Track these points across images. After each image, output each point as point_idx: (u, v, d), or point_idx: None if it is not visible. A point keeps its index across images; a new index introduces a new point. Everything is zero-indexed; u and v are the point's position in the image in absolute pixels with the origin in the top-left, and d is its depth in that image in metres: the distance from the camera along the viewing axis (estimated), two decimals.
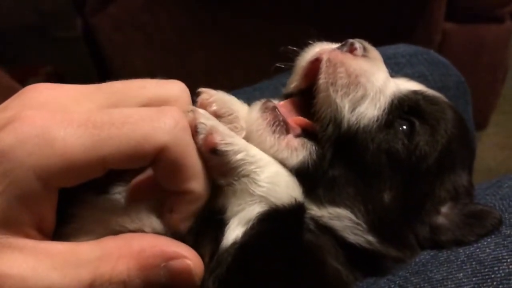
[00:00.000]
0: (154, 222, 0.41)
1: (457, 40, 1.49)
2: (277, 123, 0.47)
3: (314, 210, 0.47)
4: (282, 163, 0.46)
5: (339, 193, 0.47)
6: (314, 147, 0.47)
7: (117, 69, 1.67)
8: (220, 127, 0.42)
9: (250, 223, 0.41)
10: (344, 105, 0.48)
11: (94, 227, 0.42)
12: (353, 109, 0.48)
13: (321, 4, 1.42)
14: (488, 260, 0.47)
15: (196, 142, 0.40)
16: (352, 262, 0.48)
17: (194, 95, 0.48)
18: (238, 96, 0.50)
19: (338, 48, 0.51)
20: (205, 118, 0.41)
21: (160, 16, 1.60)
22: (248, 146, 0.44)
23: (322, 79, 0.48)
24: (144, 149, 0.36)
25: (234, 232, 0.41)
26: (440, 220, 0.51)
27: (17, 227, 0.35)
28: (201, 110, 0.42)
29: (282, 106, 0.50)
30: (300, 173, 0.46)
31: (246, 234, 0.41)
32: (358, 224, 0.47)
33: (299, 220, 0.44)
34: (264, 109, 0.48)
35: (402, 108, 0.50)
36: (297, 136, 0.48)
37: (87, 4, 1.61)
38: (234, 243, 0.41)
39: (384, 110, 0.49)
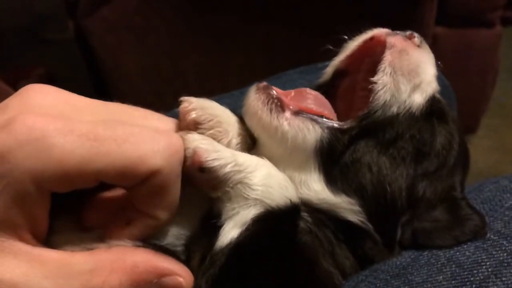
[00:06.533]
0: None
1: (447, 44, 1.50)
2: (271, 100, 0.47)
3: (326, 196, 0.48)
4: (292, 143, 0.47)
5: (352, 179, 0.48)
6: (319, 126, 0.48)
7: (109, 71, 1.66)
8: (203, 144, 0.42)
9: (246, 225, 0.41)
10: (406, 91, 0.50)
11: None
12: (409, 95, 0.50)
13: (312, 9, 1.43)
14: (468, 263, 0.47)
15: (184, 165, 0.40)
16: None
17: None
18: (226, 100, 0.50)
19: (396, 33, 0.52)
20: (188, 142, 0.42)
21: (152, 18, 1.60)
22: (236, 155, 0.44)
23: (387, 61, 0.50)
24: (139, 170, 0.36)
25: (229, 234, 0.41)
26: (424, 224, 0.51)
27: (12, 229, 0.35)
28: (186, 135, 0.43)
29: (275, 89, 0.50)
30: (316, 151, 0.47)
31: (241, 235, 0.41)
32: (360, 212, 0.48)
33: (294, 221, 0.44)
34: (257, 89, 0.48)
35: (437, 104, 0.53)
36: (295, 113, 0.48)
37: (79, 6, 1.61)
38: (229, 244, 0.41)
39: (428, 101, 0.51)
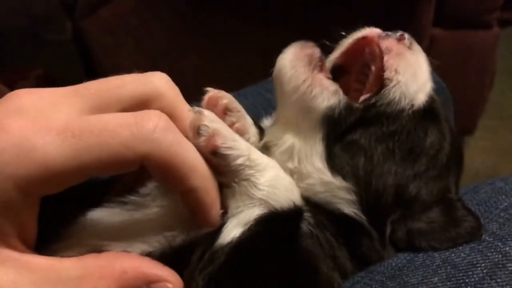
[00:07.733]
0: (143, 243, 0.42)
1: (445, 46, 1.50)
2: (313, 57, 0.49)
3: (326, 176, 0.48)
4: (310, 102, 0.48)
5: (349, 160, 0.48)
6: (343, 99, 0.49)
7: (107, 72, 1.65)
8: (223, 130, 0.42)
9: (249, 225, 0.41)
10: (414, 91, 0.51)
11: (78, 245, 0.41)
12: (415, 96, 0.51)
13: (310, 10, 1.43)
14: (463, 264, 0.47)
15: (196, 143, 0.40)
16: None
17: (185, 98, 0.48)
18: None
19: (387, 34, 0.53)
20: (208, 121, 0.41)
21: (150, 20, 1.60)
22: (250, 150, 0.44)
23: (395, 64, 0.51)
24: (126, 157, 0.35)
25: (231, 232, 0.41)
26: (420, 225, 0.51)
27: (0, 237, 0.35)
28: (206, 112, 0.42)
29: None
30: (326, 119, 0.48)
31: (243, 235, 0.41)
32: (354, 203, 0.48)
33: (297, 223, 0.44)
34: (302, 46, 0.50)
35: (433, 103, 0.54)
36: (327, 78, 0.49)
37: (77, 7, 1.61)
38: (230, 242, 0.41)
39: (427, 100, 0.53)
